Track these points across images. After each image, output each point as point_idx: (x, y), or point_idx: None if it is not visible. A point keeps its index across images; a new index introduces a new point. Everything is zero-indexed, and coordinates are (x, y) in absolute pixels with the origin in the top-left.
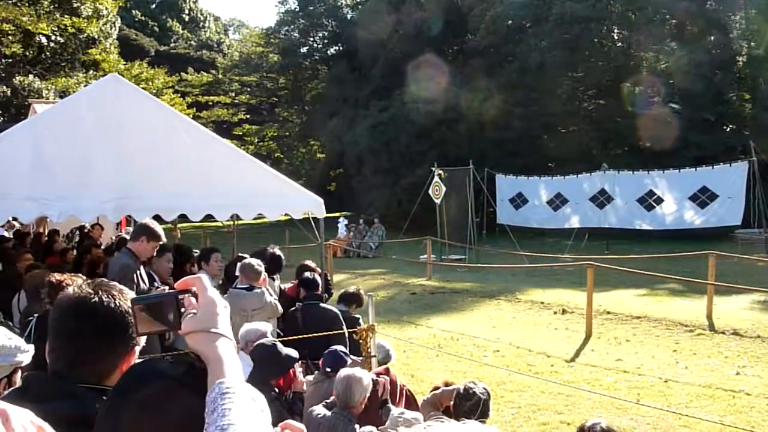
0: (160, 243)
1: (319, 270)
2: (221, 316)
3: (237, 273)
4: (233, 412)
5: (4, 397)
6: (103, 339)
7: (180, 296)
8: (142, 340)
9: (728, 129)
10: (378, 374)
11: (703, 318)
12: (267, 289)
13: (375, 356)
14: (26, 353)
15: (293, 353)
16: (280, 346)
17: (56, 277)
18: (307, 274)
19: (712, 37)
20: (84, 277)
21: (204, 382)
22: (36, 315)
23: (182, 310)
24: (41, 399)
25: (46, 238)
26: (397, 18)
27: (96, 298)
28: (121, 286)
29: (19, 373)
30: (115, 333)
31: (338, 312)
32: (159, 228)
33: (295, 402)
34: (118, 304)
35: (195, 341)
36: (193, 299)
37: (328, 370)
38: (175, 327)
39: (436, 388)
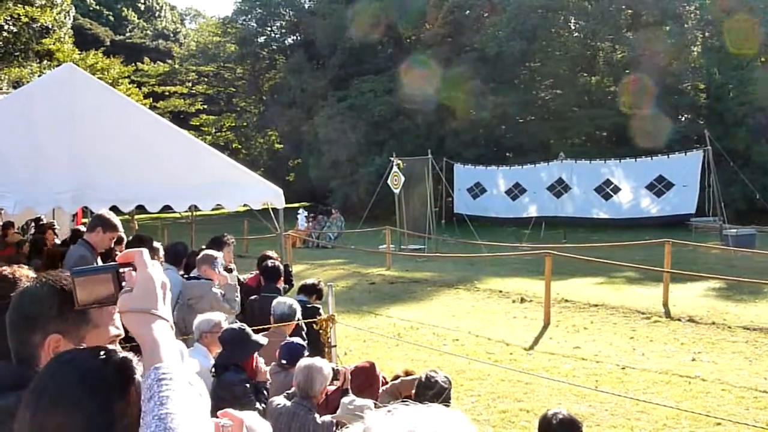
0: (119, 233)
1: (279, 259)
2: (160, 296)
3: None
4: (171, 401)
5: None
6: (27, 323)
7: (120, 270)
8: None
9: (683, 118)
10: (363, 368)
11: (659, 305)
12: (234, 281)
13: (335, 346)
14: None
15: (262, 339)
16: (248, 330)
17: (5, 270)
18: (269, 262)
19: (668, 27)
20: (28, 267)
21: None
22: None
23: (123, 284)
24: (10, 388)
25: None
26: (354, 7)
27: (30, 286)
28: (60, 272)
29: None
30: (39, 314)
31: (296, 303)
32: (115, 218)
33: (260, 390)
34: (38, 287)
35: (130, 322)
36: (134, 273)
37: (284, 362)
38: (115, 301)
39: (396, 377)
